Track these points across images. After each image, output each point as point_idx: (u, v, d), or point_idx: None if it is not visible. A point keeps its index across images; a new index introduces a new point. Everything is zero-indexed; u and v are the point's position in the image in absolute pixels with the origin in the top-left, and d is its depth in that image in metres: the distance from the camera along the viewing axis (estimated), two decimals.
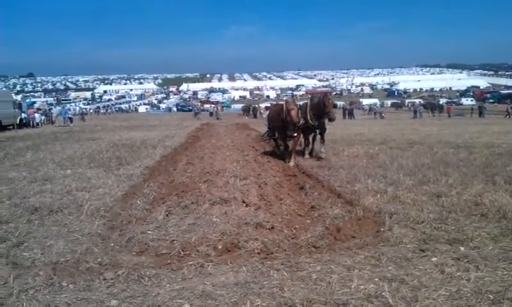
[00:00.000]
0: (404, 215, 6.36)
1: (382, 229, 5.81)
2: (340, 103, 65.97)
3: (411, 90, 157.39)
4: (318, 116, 12.70)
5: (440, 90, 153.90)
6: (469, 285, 4.04)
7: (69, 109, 62.63)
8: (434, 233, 5.59)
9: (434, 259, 4.77)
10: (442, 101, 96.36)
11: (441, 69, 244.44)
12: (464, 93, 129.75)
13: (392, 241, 5.33)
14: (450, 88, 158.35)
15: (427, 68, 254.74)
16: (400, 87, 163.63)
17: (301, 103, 13.61)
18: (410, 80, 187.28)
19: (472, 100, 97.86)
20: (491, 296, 3.79)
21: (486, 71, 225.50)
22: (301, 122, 12.15)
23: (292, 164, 12.05)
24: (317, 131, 13.33)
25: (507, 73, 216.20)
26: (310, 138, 13.80)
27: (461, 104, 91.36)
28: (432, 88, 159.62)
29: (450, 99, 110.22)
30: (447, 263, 4.61)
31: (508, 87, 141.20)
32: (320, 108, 12.48)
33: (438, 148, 14.40)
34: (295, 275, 4.42)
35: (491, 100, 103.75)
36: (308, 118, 12.62)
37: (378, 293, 3.91)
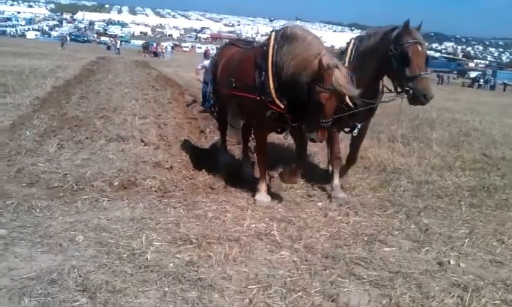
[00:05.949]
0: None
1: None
2: None
3: None
4: (372, 85, 5.20)
5: (339, 49, 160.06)
6: (348, 228, 4.53)
7: None
8: (322, 181, 6.04)
9: (319, 204, 5.23)
10: None
11: (343, 28, 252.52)
12: None
13: (283, 187, 5.67)
14: None
15: (330, 25, 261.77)
16: None
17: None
18: None
19: None
20: (366, 238, 4.29)
21: None
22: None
23: (267, 201, 5.09)
24: (358, 125, 5.44)
25: None
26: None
27: None
28: (333, 46, 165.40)
29: None
30: (330, 208, 5.09)
31: None
32: (391, 63, 4.75)
33: None
34: (191, 213, 4.58)
35: None
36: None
37: (268, 232, 4.22)
